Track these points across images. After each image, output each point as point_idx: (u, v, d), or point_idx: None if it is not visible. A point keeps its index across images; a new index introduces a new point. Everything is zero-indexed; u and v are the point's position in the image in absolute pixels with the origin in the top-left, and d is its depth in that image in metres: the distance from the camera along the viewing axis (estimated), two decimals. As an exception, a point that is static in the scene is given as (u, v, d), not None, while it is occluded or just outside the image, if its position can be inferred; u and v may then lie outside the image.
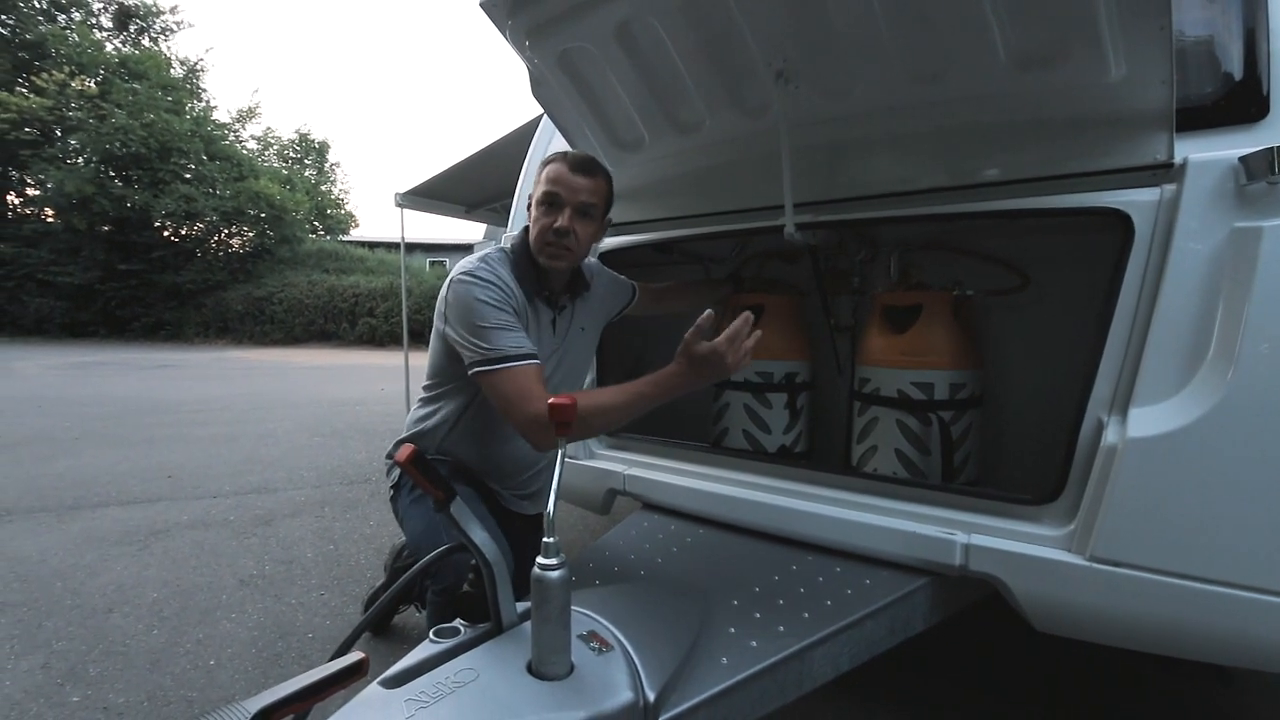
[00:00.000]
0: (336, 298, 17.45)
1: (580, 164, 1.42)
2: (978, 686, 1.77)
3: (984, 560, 1.23)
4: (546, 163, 1.44)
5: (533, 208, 1.45)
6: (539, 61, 1.64)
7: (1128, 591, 1.10)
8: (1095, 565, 1.12)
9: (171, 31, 21.21)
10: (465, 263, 1.42)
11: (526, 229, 1.49)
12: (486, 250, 1.48)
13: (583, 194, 1.40)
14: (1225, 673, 1.72)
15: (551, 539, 0.86)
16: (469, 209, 5.80)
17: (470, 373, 1.31)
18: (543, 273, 1.47)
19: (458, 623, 0.96)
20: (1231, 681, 1.73)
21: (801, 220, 1.57)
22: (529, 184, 2.23)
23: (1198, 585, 1.05)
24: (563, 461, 0.93)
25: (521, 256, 1.46)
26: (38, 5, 18.62)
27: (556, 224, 1.39)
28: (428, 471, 0.88)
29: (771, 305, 1.94)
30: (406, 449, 0.86)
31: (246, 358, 13.28)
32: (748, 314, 1.23)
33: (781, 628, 1.14)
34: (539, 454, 1.57)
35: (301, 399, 7.38)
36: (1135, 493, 1.09)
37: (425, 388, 1.55)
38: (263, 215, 18.87)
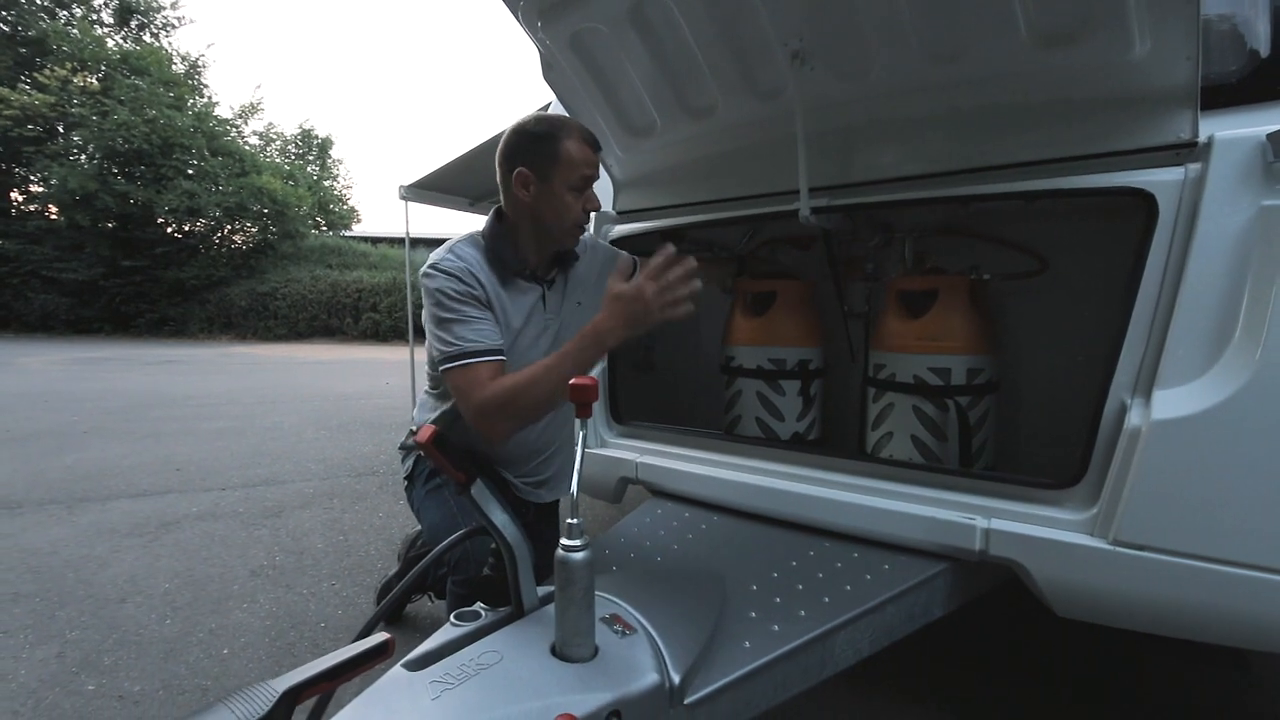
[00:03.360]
0: (340, 293, 17.47)
1: (595, 140, 1.39)
2: (1000, 677, 1.76)
3: (1005, 545, 1.22)
4: (561, 138, 1.32)
5: (559, 191, 1.34)
6: (550, 43, 1.62)
7: (1152, 575, 1.08)
8: (1119, 549, 1.11)
9: (173, 27, 21.32)
10: (434, 254, 1.39)
11: (499, 210, 1.44)
12: (455, 239, 1.45)
13: (598, 170, 1.40)
14: (1243, 660, 1.71)
15: (575, 520, 0.85)
16: (473, 201, 5.79)
17: (439, 370, 1.32)
18: (523, 252, 1.42)
19: (478, 606, 0.96)
20: (1250, 670, 1.72)
21: (816, 204, 1.56)
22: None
23: (1223, 569, 1.03)
24: (583, 444, 0.92)
25: (498, 240, 1.41)
26: (39, 1, 18.58)
27: (589, 205, 1.38)
28: (449, 453, 0.87)
29: (784, 291, 1.92)
30: (427, 430, 0.85)
31: (251, 353, 13.30)
32: (669, 246, 1.14)
33: (802, 612, 1.13)
34: (548, 439, 1.56)
35: (307, 393, 7.39)
36: (1160, 476, 1.08)
37: (430, 379, 1.53)
38: (265, 211, 18.88)
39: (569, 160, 1.32)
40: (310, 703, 0.83)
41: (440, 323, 1.31)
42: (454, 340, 1.28)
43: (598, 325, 1.17)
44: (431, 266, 1.36)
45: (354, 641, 0.77)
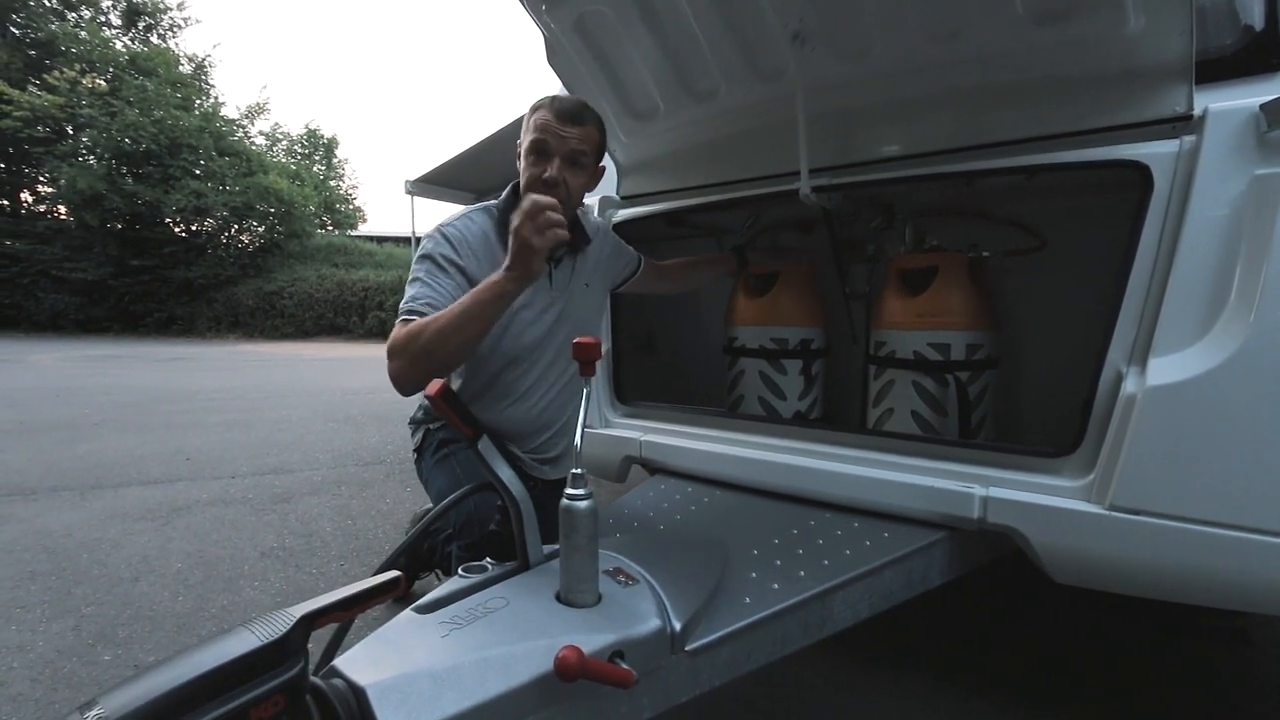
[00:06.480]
0: (346, 292, 17.56)
1: (568, 112, 1.37)
2: (1003, 654, 1.78)
3: (1002, 512, 1.23)
4: (535, 109, 1.39)
5: (521, 158, 1.42)
6: (555, 27, 1.65)
7: (1147, 539, 1.10)
8: (1114, 514, 1.12)
9: (179, 28, 21.36)
10: (447, 217, 1.44)
11: (515, 185, 1.48)
12: (473, 207, 1.49)
13: (572, 142, 1.37)
14: (1244, 634, 1.72)
15: (579, 470, 0.88)
16: (478, 196, 5.83)
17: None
18: None
19: (485, 561, 0.98)
20: (1251, 643, 1.73)
21: (817, 183, 1.58)
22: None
23: (1217, 531, 1.04)
24: (588, 400, 0.95)
25: (508, 211, 1.44)
26: (47, 4, 18.76)
27: (546, 174, 1.37)
28: (457, 407, 0.90)
29: (786, 273, 1.94)
30: (437, 384, 0.88)
31: (258, 350, 13.39)
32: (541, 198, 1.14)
33: (802, 573, 1.15)
34: (553, 415, 1.59)
35: (314, 388, 7.45)
36: (1154, 440, 1.09)
37: None
38: (272, 211, 19.03)
39: (529, 123, 1.38)
40: (325, 641, 0.86)
41: (411, 281, 1.35)
42: (408, 299, 1.30)
43: (499, 273, 1.19)
44: (437, 228, 1.40)
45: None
